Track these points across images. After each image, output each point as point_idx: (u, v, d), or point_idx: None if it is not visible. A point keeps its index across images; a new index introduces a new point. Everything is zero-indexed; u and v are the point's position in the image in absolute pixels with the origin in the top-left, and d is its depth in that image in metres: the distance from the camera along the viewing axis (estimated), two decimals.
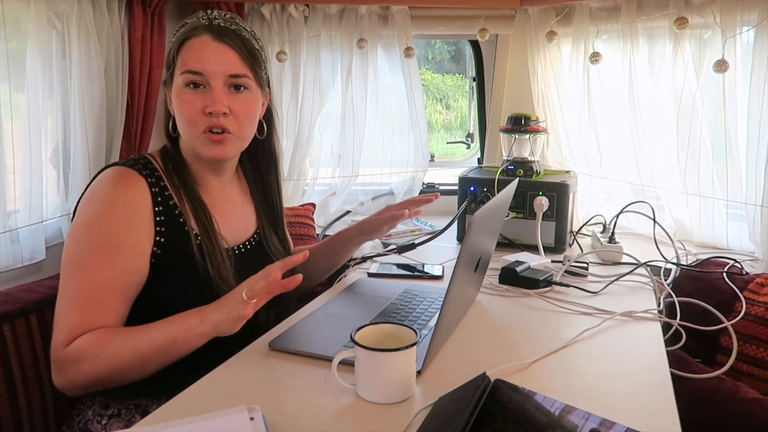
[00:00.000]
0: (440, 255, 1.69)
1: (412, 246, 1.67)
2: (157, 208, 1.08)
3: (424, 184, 2.21)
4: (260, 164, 1.29)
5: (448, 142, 2.51)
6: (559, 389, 0.93)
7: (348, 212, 2.17)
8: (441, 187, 2.33)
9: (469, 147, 2.39)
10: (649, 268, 1.50)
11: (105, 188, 1.06)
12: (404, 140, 2.15)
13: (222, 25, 1.10)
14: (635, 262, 1.55)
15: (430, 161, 2.19)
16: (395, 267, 1.55)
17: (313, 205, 2.00)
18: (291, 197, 2.06)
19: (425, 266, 1.56)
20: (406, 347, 0.87)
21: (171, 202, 1.11)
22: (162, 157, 1.16)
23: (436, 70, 2.92)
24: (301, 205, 1.97)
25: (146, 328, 1.00)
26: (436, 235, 1.74)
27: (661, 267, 1.51)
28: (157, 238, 1.08)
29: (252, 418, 0.81)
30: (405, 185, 2.18)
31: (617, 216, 1.69)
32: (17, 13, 1.34)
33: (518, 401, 0.79)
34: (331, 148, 2.15)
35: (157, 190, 1.09)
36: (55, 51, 1.44)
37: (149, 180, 1.09)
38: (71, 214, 1.52)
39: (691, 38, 1.67)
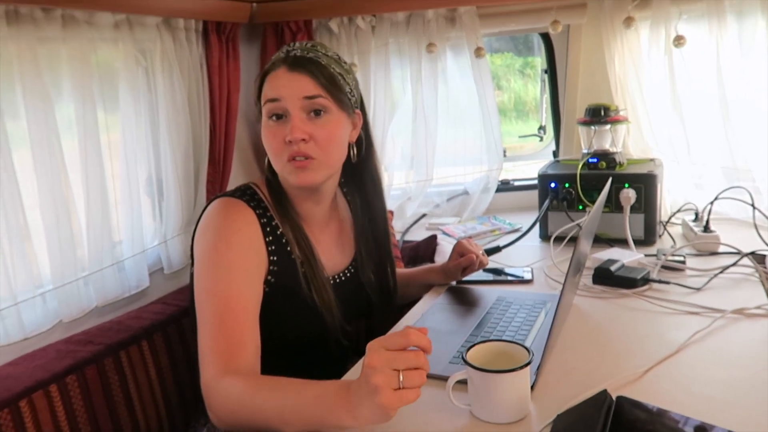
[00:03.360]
0: (524, 255, 1.67)
1: (497, 249, 1.66)
2: (267, 238, 1.12)
3: (498, 182, 2.18)
4: (365, 189, 1.28)
5: (520, 136, 2.46)
6: (683, 402, 0.89)
7: (424, 215, 2.17)
8: (516, 183, 2.30)
9: (541, 140, 2.34)
10: (753, 258, 1.43)
11: (218, 218, 1.10)
12: (477, 139, 2.13)
13: (298, 55, 1.11)
14: (736, 251, 1.48)
15: (503, 157, 2.16)
16: (482, 271, 1.53)
17: (392, 212, 2.01)
18: None
19: (512, 269, 1.54)
20: (521, 367, 0.86)
21: (278, 232, 1.14)
22: (267, 187, 1.19)
23: None
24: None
25: (293, 396, 0.89)
26: (520, 236, 1.73)
27: (766, 255, 1.44)
28: (271, 267, 1.11)
29: None
30: (480, 184, 2.16)
31: (711, 203, 1.62)
32: (108, 56, 1.41)
33: (646, 420, 0.77)
34: (402, 152, 2.15)
35: (265, 220, 1.13)
36: (142, 86, 1.51)
37: (257, 211, 1.12)
38: (166, 242, 1.61)
39: None
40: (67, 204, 1.30)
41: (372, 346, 0.80)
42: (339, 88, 1.12)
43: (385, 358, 0.78)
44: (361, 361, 1.00)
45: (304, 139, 1.08)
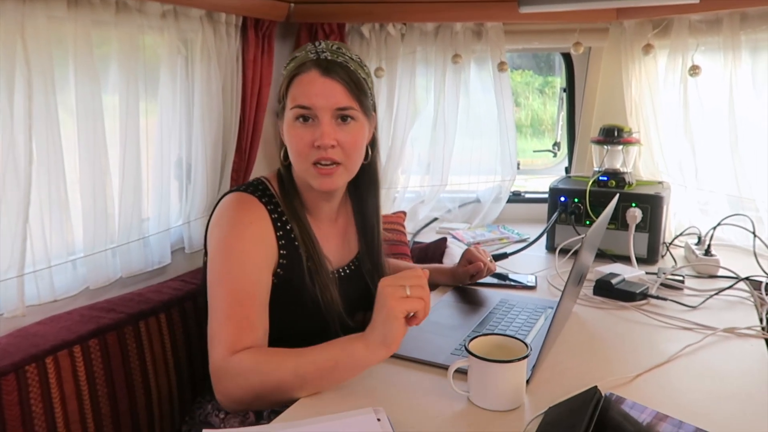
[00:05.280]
0: (529, 264, 1.73)
1: (504, 255, 1.73)
2: (278, 233, 1.16)
3: (510, 193, 2.25)
4: (362, 186, 1.30)
5: (534, 151, 2.53)
6: (667, 405, 0.95)
7: (435, 219, 2.24)
8: (527, 195, 2.36)
9: (555, 155, 2.40)
10: (749, 283, 1.49)
11: (231, 212, 1.15)
12: (492, 150, 2.20)
13: (330, 58, 1.12)
14: (733, 275, 1.54)
15: (516, 169, 2.22)
16: (488, 276, 1.60)
17: (404, 213, 2.08)
18: (382, 204, 2.12)
19: (517, 276, 1.61)
20: (519, 359, 0.93)
21: (288, 227, 1.18)
22: (278, 182, 1.22)
23: None
24: (393, 213, 2.06)
25: (307, 351, 1.01)
26: (528, 245, 1.79)
27: (762, 282, 1.49)
28: (280, 261, 1.16)
29: (379, 419, 0.89)
30: (492, 193, 2.23)
31: (714, 228, 1.68)
32: (153, 43, 1.49)
33: (629, 419, 0.84)
34: (419, 157, 2.22)
35: (275, 215, 1.17)
36: (181, 74, 1.59)
37: (268, 207, 1.16)
38: (189, 222, 1.69)
39: None
40: (104, 180, 1.37)
41: (382, 281, 0.97)
42: (365, 94, 1.15)
43: (392, 280, 0.97)
44: None
45: (332, 146, 1.11)
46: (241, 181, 1.81)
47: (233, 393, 1.03)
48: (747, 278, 1.50)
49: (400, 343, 0.96)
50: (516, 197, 2.32)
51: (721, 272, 1.59)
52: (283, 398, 1.01)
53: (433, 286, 1.53)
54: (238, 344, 1.04)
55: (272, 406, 1.08)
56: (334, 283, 1.21)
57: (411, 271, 0.99)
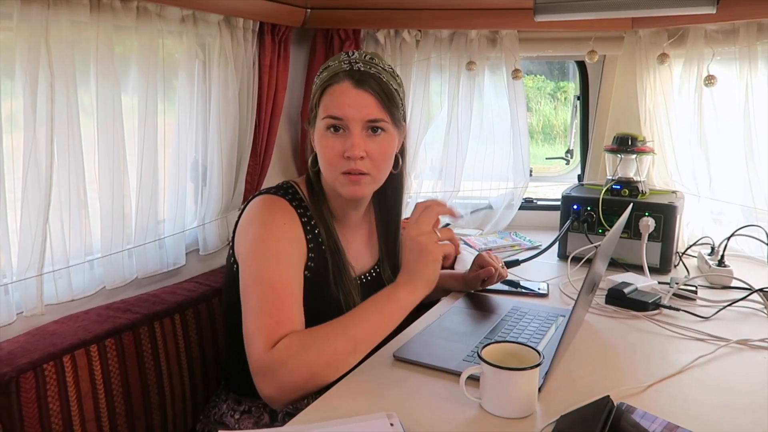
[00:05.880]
0: (541, 271, 1.73)
1: (516, 263, 1.73)
2: (308, 236, 1.18)
3: (522, 199, 2.25)
4: (387, 194, 1.31)
5: (547, 158, 2.53)
6: (678, 415, 0.95)
7: (447, 225, 2.24)
8: (539, 202, 2.36)
9: (568, 163, 2.40)
10: (763, 295, 1.48)
11: (263, 213, 1.16)
12: (505, 156, 2.20)
13: (362, 69, 1.13)
14: (747, 287, 1.53)
15: (529, 176, 2.22)
16: (500, 282, 1.60)
17: None
18: None
19: (528, 283, 1.61)
20: (532, 367, 0.94)
21: (316, 231, 1.19)
22: (307, 186, 1.23)
23: None
24: (405, 219, 2.06)
25: (349, 313, 1.07)
26: (540, 252, 1.79)
27: None
28: (309, 263, 1.17)
29: (392, 424, 0.90)
30: (505, 200, 2.23)
31: (728, 239, 1.67)
32: (172, 47, 1.52)
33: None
34: (432, 163, 2.23)
35: (305, 219, 1.18)
36: (199, 78, 1.61)
37: (298, 210, 1.18)
38: (204, 225, 1.70)
39: None
40: (123, 181, 1.39)
41: (407, 229, 1.07)
42: (396, 106, 1.16)
43: (418, 225, 1.06)
44: None
45: (362, 157, 1.12)
46: (255, 184, 1.83)
47: (286, 380, 1.00)
48: (761, 290, 1.49)
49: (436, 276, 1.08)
50: (528, 204, 2.32)
51: (734, 283, 1.59)
52: (337, 370, 1.03)
53: (444, 291, 1.54)
54: (277, 336, 1.03)
55: (318, 387, 1.04)
56: (357, 288, 1.23)
57: (430, 210, 1.08)
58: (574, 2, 1.45)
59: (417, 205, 1.24)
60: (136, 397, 1.30)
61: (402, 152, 1.25)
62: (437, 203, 1.09)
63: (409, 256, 1.07)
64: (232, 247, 1.21)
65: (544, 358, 0.97)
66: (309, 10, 1.84)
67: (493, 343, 1.01)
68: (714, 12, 1.41)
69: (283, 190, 1.20)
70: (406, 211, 2.17)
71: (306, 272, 1.17)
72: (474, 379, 0.99)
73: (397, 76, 1.21)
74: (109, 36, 1.30)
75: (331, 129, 1.14)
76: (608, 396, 0.90)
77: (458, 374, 1.00)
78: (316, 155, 1.21)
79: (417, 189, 2.22)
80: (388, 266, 1.35)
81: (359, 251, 1.30)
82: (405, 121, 1.23)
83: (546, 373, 1.05)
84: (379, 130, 1.15)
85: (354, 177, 1.14)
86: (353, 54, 1.16)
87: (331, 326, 1.04)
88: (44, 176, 1.20)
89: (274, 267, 1.10)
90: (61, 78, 1.21)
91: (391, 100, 1.15)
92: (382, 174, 1.19)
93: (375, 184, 1.19)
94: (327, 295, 1.19)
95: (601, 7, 1.45)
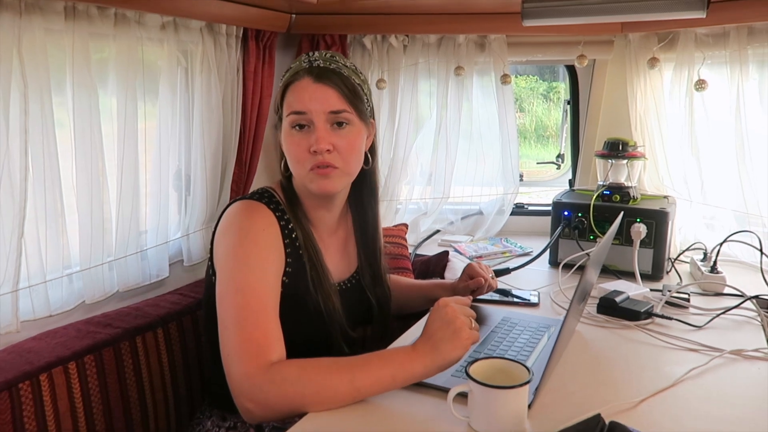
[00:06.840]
0: (532, 279, 1.71)
1: (507, 270, 1.71)
2: (285, 240, 1.16)
3: (513, 205, 2.23)
4: (362, 195, 1.31)
5: (538, 163, 2.51)
6: (672, 431, 0.93)
7: (437, 231, 2.22)
8: (530, 207, 2.34)
9: (559, 167, 2.38)
10: (756, 302, 1.46)
11: (241, 218, 1.14)
12: (495, 162, 2.18)
13: (322, 65, 1.14)
14: (740, 294, 1.51)
15: (519, 181, 2.20)
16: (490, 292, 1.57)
17: (406, 225, 2.06)
18: (384, 216, 2.13)
19: (520, 291, 1.58)
20: (521, 385, 0.91)
21: (294, 235, 1.17)
22: (282, 191, 1.23)
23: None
24: (394, 226, 2.04)
25: (360, 362, 1.01)
26: (531, 260, 1.77)
27: None
28: (287, 269, 1.15)
29: None
30: (495, 206, 2.20)
31: (720, 245, 1.65)
32: (152, 55, 1.48)
33: None
34: (422, 168, 2.20)
35: (283, 223, 1.17)
36: (181, 86, 1.57)
37: (276, 214, 1.16)
38: (188, 235, 1.67)
39: None
40: (102, 192, 1.36)
41: (444, 301, 1.06)
42: (360, 100, 1.17)
43: (459, 307, 1.05)
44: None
45: (328, 150, 1.13)
46: (241, 192, 1.79)
47: (273, 402, 0.98)
48: (755, 297, 1.47)
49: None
50: (519, 209, 2.30)
51: (728, 290, 1.57)
52: (329, 408, 0.99)
53: (433, 301, 1.51)
54: (267, 356, 1.01)
55: (303, 411, 1.01)
56: (336, 293, 1.21)
57: (465, 300, 1.10)
58: (562, 7, 1.43)
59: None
60: (117, 415, 1.26)
61: (372, 150, 1.25)
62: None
63: (440, 331, 1.02)
64: (211, 258, 1.18)
65: (533, 374, 0.94)
66: (294, 16, 1.80)
67: (481, 359, 0.98)
68: (704, 16, 1.39)
69: (259, 195, 1.19)
70: (402, 218, 2.16)
71: (284, 278, 1.15)
72: (463, 396, 0.96)
73: (360, 73, 1.21)
74: (86, 44, 1.27)
75: (296, 127, 1.15)
76: (599, 414, 0.87)
77: (446, 391, 0.97)
78: (287, 159, 1.20)
79: (407, 196, 2.19)
80: (369, 273, 1.33)
81: (336, 258, 1.28)
82: (373, 117, 1.23)
83: (536, 388, 1.02)
84: (344, 124, 1.15)
85: (322, 171, 1.13)
86: (314, 54, 1.18)
87: (337, 367, 1.01)
88: (18, 189, 1.17)
89: (255, 276, 1.07)
90: (35, 88, 1.18)
91: (353, 93, 1.15)
92: (351, 168, 1.18)
93: (345, 177, 1.18)
94: (306, 299, 1.17)
95: (590, 12, 1.43)
